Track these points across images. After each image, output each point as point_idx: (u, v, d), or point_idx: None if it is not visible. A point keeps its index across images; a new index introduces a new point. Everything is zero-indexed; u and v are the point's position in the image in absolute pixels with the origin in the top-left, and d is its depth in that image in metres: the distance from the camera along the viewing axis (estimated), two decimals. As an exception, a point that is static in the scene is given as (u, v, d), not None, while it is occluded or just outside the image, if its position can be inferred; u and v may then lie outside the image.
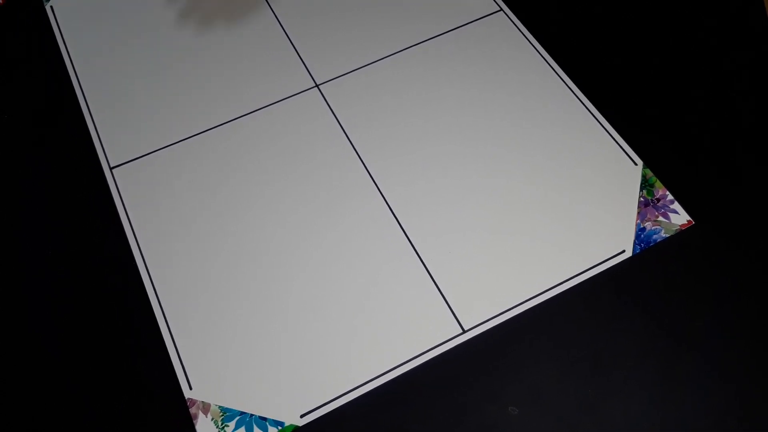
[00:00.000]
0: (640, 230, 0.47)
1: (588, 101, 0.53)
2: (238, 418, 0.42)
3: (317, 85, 0.54)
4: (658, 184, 0.49)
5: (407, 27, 0.57)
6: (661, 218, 0.48)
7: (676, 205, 0.48)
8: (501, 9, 0.58)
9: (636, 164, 0.50)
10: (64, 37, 0.58)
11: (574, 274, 0.46)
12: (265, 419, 0.42)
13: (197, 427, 0.41)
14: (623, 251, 0.46)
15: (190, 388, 0.43)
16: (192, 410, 0.42)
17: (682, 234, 0.47)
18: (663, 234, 0.47)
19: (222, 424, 0.41)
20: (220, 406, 0.42)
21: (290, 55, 0.56)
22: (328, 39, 0.57)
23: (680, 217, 0.48)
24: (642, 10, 0.58)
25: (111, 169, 0.51)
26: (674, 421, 0.41)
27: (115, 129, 0.53)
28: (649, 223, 0.47)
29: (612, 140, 0.51)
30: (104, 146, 0.52)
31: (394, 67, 0.55)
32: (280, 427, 0.41)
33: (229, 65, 0.56)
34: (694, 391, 0.41)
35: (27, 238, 0.48)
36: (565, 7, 0.58)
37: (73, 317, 0.45)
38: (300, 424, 0.41)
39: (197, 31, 0.58)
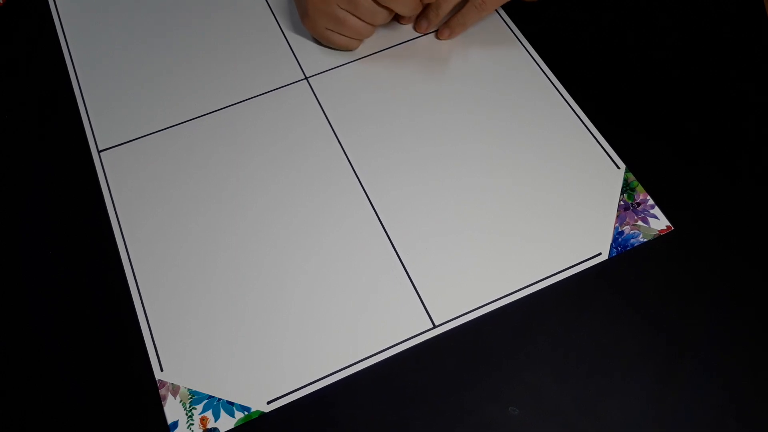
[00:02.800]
0: (617, 233, 0.47)
1: (574, 102, 0.53)
2: (206, 401, 0.42)
3: (306, 78, 0.55)
4: (640, 188, 0.49)
5: (399, 25, 0.57)
6: (640, 222, 0.47)
7: (656, 210, 0.48)
8: (494, 8, 0.58)
9: (619, 168, 0.50)
10: (63, 23, 0.59)
11: (549, 274, 0.46)
12: (232, 404, 0.42)
13: (166, 409, 0.42)
14: (599, 254, 0.46)
15: (161, 370, 0.43)
16: (161, 392, 0.43)
17: (660, 239, 0.47)
18: (641, 238, 0.47)
19: (190, 407, 0.42)
20: (189, 389, 0.43)
21: (281, 45, 0.57)
22: (319, 32, 0.57)
23: (660, 222, 0.47)
24: (634, 13, 0.58)
25: (99, 152, 0.52)
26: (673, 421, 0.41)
27: (104, 113, 0.54)
28: (628, 227, 0.47)
29: (596, 142, 0.51)
30: (93, 130, 0.53)
31: (383, 63, 0.55)
32: (246, 413, 0.42)
33: (220, 53, 0.56)
34: (691, 393, 0.42)
35: (27, 230, 0.49)
36: (557, 8, 0.58)
37: (48, 294, 0.46)
38: (266, 411, 0.42)
39: (191, 17, 0.59)
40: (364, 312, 0.45)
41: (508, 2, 0.55)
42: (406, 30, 0.57)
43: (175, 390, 0.43)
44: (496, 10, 0.58)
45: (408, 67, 0.55)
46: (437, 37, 0.56)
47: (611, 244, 0.47)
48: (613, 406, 0.41)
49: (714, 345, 0.43)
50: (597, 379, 0.42)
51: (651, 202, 0.48)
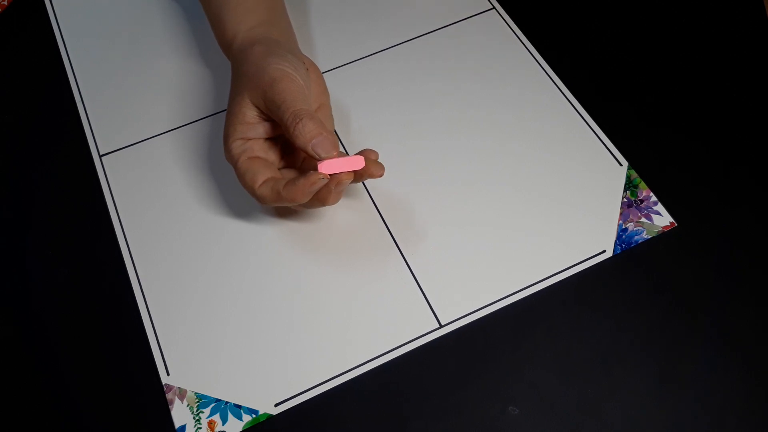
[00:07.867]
0: (621, 231, 0.47)
1: (575, 100, 0.53)
2: (213, 405, 0.42)
3: (307, 79, 0.55)
4: (642, 185, 0.49)
5: (400, 24, 0.58)
6: (643, 219, 0.48)
7: (660, 207, 0.48)
8: (493, 7, 0.58)
9: (621, 165, 0.50)
10: (62, 29, 0.59)
11: (553, 272, 0.46)
12: (239, 407, 0.42)
13: (173, 413, 0.42)
14: (604, 251, 0.46)
15: (168, 374, 0.43)
16: (168, 396, 0.42)
17: (664, 235, 0.47)
18: (645, 235, 0.47)
19: (197, 411, 0.42)
20: (196, 393, 0.42)
21: (281, 48, 0.57)
22: (319, 32, 0.57)
23: (663, 219, 0.48)
24: (635, 11, 0.58)
25: (100, 156, 0.52)
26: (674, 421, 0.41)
27: (105, 118, 0.54)
28: (632, 224, 0.47)
29: (598, 140, 0.51)
30: (95, 135, 0.53)
31: (384, 62, 0.55)
32: (254, 415, 0.42)
33: (219, 58, 0.56)
34: (694, 392, 0.42)
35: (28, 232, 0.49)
36: (557, 8, 0.58)
37: (51, 299, 0.46)
38: (274, 413, 0.42)
39: (189, 21, 0.58)
40: (369, 313, 0.45)
41: (506, 1, 0.56)
42: (406, 30, 0.57)
43: (182, 394, 0.42)
44: (497, 10, 0.58)
45: (410, 66, 0.55)
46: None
47: (615, 242, 0.47)
48: (615, 405, 0.41)
49: (717, 342, 0.43)
50: (599, 379, 0.42)
51: (654, 198, 0.48)
